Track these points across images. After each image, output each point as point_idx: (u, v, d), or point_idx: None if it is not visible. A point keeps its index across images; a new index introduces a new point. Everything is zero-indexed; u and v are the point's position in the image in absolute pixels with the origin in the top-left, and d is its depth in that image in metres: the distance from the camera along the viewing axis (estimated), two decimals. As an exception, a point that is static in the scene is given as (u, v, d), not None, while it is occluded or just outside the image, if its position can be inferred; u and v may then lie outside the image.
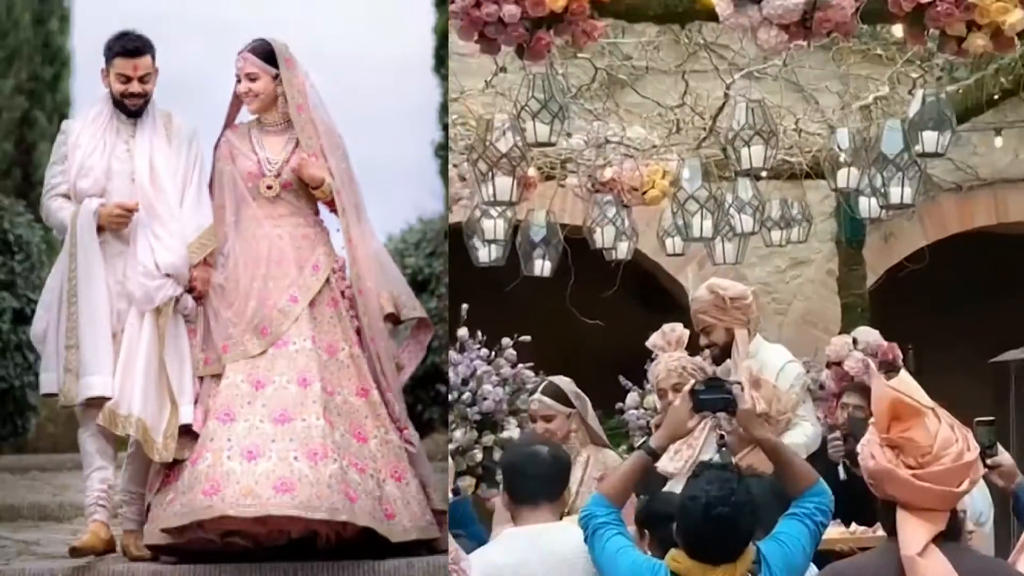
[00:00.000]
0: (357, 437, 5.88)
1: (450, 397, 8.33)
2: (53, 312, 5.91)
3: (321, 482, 5.61)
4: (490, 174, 7.00)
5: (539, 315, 9.57)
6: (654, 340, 6.97)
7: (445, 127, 9.69)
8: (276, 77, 6.11)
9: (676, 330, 6.93)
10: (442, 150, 10.52)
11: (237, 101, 6.22)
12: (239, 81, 6.15)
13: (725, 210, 8.35)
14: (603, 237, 8.91)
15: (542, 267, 8.89)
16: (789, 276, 12.14)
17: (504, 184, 7.06)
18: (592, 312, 9.67)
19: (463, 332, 8.51)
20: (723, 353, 6.96)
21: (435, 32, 10.46)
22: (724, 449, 4.83)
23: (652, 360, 7.11)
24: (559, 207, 9.56)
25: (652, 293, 12.29)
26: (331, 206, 6.16)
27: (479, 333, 8.57)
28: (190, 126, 6.14)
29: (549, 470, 4.96)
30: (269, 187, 6.11)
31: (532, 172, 8.40)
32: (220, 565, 5.69)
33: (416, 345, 6.35)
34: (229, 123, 6.28)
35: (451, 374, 8.33)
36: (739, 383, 4.95)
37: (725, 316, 6.94)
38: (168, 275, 5.87)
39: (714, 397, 4.82)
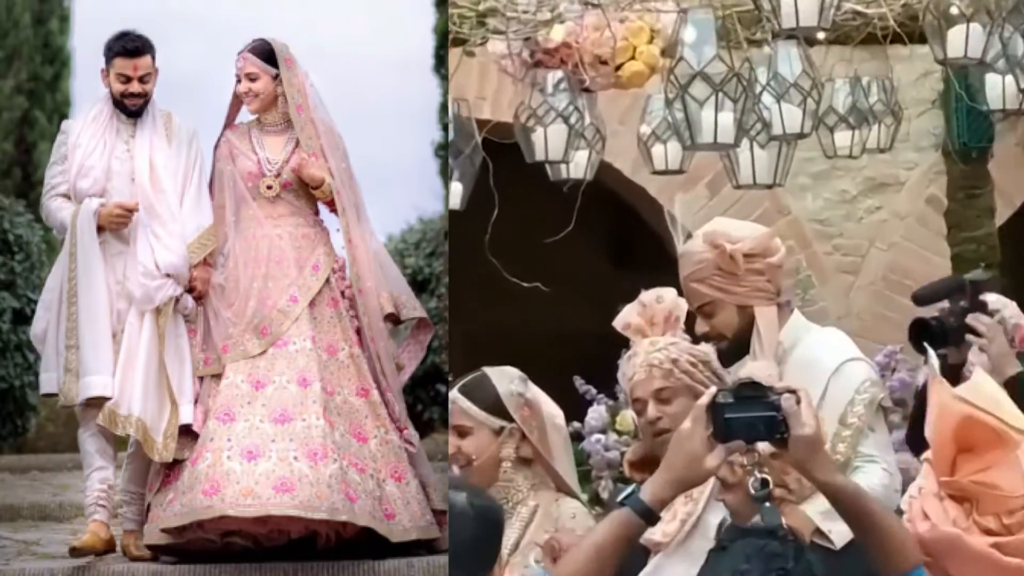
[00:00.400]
0: (357, 437, 5.89)
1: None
2: (53, 312, 5.92)
3: (321, 482, 5.61)
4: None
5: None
6: (628, 316, 4.34)
7: (445, 127, 9.67)
8: (276, 77, 6.12)
9: (664, 300, 4.31)
10: (442, 150, 10.53)
11: (237, 101, 6.23)
12: (239, 81, 6.16)
13: (755, 97, 5.22)
14: (547, 143, 5.63)
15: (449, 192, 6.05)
16: (863, 209, 8.01)
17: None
18: (530, 269, 6.11)
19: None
20: (735, 346, 4.46)
21: (435, 32, 10.45)
22: (767, 504, 2.94)
23: (628, 351, 4.37)
24: (475, 92, 6.47)
25: (629, 237, 8.58)
26: (331, 206, 6.16)
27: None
28: (190, 126, 6.15)
29: (469, 530, 3.01)
30: (269, 187, 6.12)
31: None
32: (220, 565, 5.69)
33: (416, 345, 6.36)
34: (229, 123, 6.29)
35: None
36: (792, 391, 2.95)
37: (736, 286, 4.40)
38: (168, 275, 5.87)
39: (750, 416, 2.91)
